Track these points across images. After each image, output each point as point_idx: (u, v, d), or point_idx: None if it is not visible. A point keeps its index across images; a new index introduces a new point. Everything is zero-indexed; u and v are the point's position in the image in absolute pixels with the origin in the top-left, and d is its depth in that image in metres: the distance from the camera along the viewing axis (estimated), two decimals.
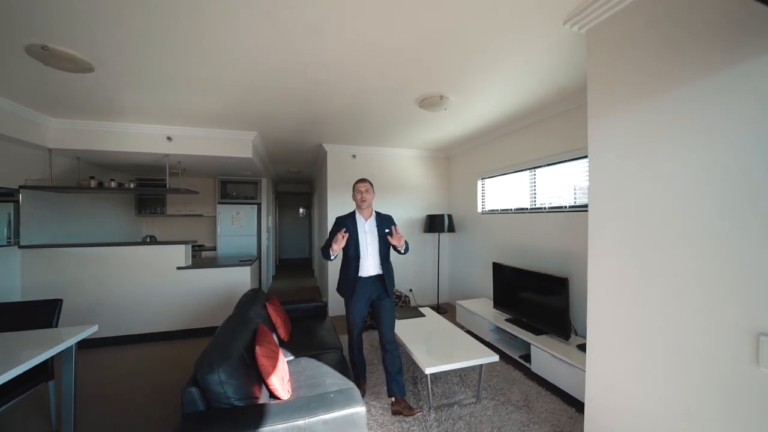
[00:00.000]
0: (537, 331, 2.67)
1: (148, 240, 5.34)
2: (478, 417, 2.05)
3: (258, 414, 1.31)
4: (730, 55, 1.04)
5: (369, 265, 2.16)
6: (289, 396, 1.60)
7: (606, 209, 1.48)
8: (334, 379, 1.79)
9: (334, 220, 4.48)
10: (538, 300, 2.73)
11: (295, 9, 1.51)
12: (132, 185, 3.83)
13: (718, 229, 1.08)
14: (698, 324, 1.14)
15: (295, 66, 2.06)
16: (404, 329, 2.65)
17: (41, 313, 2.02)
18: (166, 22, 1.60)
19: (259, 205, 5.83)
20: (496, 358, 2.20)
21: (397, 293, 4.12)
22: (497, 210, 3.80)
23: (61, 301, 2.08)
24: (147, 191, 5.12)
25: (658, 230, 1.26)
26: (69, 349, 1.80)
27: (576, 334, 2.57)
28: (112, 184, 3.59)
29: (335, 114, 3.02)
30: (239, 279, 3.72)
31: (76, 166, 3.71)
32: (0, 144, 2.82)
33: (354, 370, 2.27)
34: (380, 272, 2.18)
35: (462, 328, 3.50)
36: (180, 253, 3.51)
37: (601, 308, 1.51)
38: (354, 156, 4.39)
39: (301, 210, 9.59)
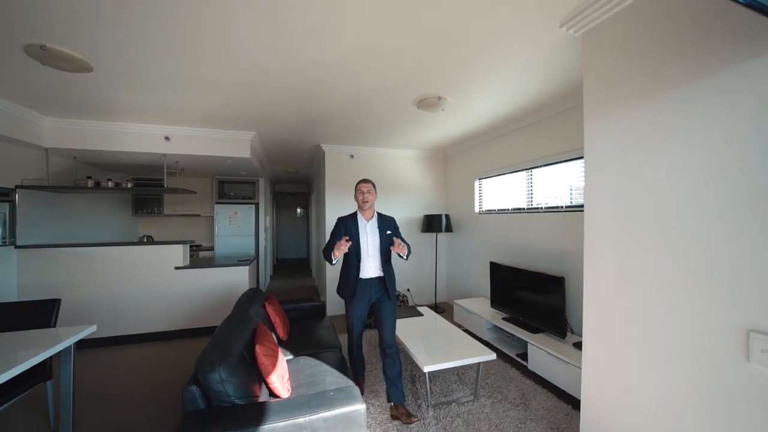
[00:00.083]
0: (534, 330, 2.70)
1: (145, 240, 5.32)
2: (475, 414, 2.08)
3: (258, 412, 1.32)
4: (729, 55, 1.04)
5: (370, 267, 2.13)
6: (289, 394, 1.62)
7: (601, 209, 1.50)
8: (333, 378, 1.80)
9: (332, 220, 4.48)
10: (535, 299, 2.76)
11: (295, 9, 1.52)
12: (129, 185, 3.82)
13: (708, 230, 1.11)
14: (691, 322, 1.17)
15: (294, 66, 2.07)
16: (402, 328, 2.66)
17: (39, 313, 2.01)
18: (166, 22, 1.61)
19: (256, 205, 5.83)
20: (493, 356, 2.22)
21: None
22: (494, 210, 3.83)
23: (59, 301, 2.07)
24: (144, 191, 5.09)
25: (652, 231, 1.29)
26: (68, 349, 1.80)
27: (572, 333, 2.60)
28: (110, 184, 3.58)
29: (334, 114, 3.03)
30: (237, 279, 3.72)
31: (72, 165, 3.69)
32: None
33: (353, 369, 2.28)
34: (381, 274, 2.15)
35: (460, 327, 3.53)
36: (178, 253, 3.51)
37: (597, 307, 1.53)
38: (352, 156, 4.40)
39: (298, 210, 9.58)
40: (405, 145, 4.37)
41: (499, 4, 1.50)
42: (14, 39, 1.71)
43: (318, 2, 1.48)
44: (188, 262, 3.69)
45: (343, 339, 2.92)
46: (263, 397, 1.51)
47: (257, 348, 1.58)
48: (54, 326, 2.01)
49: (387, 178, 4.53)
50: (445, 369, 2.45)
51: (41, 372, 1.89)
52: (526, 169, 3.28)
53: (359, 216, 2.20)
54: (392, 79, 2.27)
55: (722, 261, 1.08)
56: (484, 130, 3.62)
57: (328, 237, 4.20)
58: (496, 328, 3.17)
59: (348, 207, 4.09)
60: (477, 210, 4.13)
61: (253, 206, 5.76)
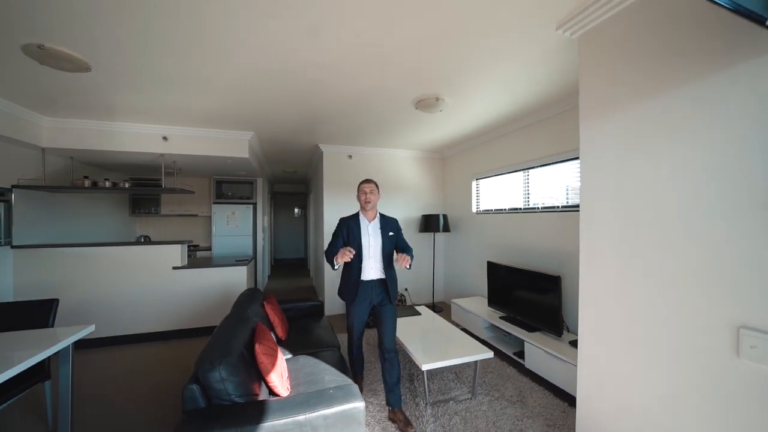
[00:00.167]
0: (530, 328, 2.73)
1: (143, 240, 5.30)
2: (473, 412, 2.10)
3: (259, 410, 1.33)
4: (730, 55, 1.05)
5: (371, 268, 2.11)
6: (288, 393, 1.63)
7: (601, 209, 1.50)
8: (332, 376, 1.82)
9: (330, 220, 4.49)
10: (532, 298, 2.79)
11: (294, 9, 1.53)
12: (127, 185, 3.80)
13: (709, 229, 1.12)
14: (683, 319, 1.19)
15: (293, 66, 2.08)
16: (401, 328, 2.68)
17: (37, 313, 2.01)
18: (166, 22, 1.61)
19: (254, 205, 5.82)
20: (490, 354, 2.24)
21: None
22: (491, 210, 3.85)
23: (57, 301, 2.07)
24: (142, 191, 5.08)
25: (653, 230, 1.30)
26: (66, 349, 1.80)
27: (568, 331, 2.63)
28: (107, 184, 3.57)
29: (333, 114, 3.04)
30: (235, 279, 3.72)
31: (69, 165, 3.67)
32: None
33: (352, 368, 2.30)
34: (383, 276, 2.13)
35: (457, 326, 3.55)
36: (176, 253, 3.50)
37: (596, 306, 1.55)
38: (350, 156, 4.41)
39: (296, 210, 9.57)
40: (403, 146, 4.38)
41: (497, 6, 1.52)
42: (13, 38, 1.71)
43: (317, 2, 1.48)
44: (186, 262, 3.68)
45: (342, 338, 2.93)
46: (263, 395, 1.52)
47: (257, 347, 1.59)
48: (52, 326, 2.00)
49: (385, 178, 4.54)
50: (443, 367, 2.48)
51: (39, 372, 1.89)
52: (523, 170, 3.31)
53: (361, 216, 2.18)
54: (391, 79, 2.29)
55: (723, 260, 1.08)
56: (481, 131, 3.65)
57: (326, 237, 4.25)
58: (494, 327, 3.20)
59: (346, 207, 4.12)
60: (474, 210, 4.16)
61: (251, 206, 5.76)
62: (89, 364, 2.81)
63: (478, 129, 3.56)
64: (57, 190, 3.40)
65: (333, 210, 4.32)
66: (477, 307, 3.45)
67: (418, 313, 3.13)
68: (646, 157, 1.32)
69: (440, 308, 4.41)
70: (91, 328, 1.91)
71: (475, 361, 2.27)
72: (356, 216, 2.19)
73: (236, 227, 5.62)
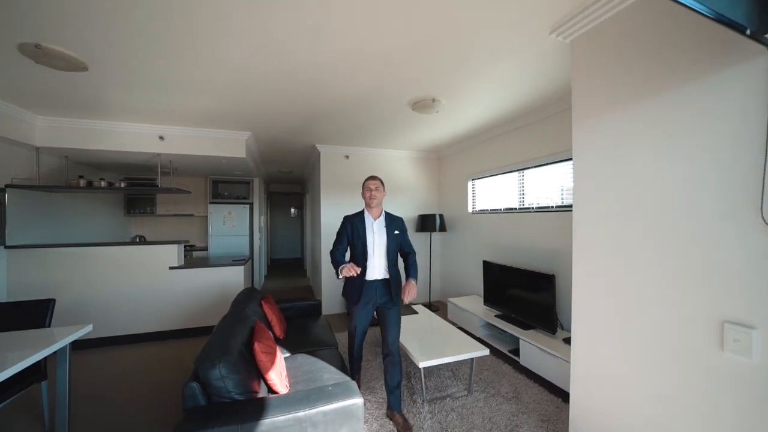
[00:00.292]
0: (525, 326, 2.77)
1: (138, 240, 5.26)
2: (469, 408, 2.13)
3: (259, 407, 1.35)
4: (728, 56, 1.07)
5: (375, 267, 2.07)
6: (287, 391, 1.64)
7: (594, 208, 1.53)
8: (331, 374, 1.84)
9: (327, 220, 4.49)
10: (527, 296, 2.83)
11: (289, 10, 1.53)
12: (122, 185, 3.78)
13: (689, 228, 1.17)
14: (672, 315, 1.23)
15: (289, 68, 2.09)
16: None
17: (33, 314, 2.00)
18: (158, 24, 1.61)
19: (251, 204, 5.81)
20: (486, 352, 2.28)
21: None
22: (487, 210, 3.90)
23: (54, 301, 2.06)
24: (137, 191, 5.04)
25: (636, 230, 1.35)
26: (63, 349, 1.80)
27: (562, 329, 2.68)
28: (102, 184, 3.54)
29: (330, 114, 3.05)
30: (232, 279, 3.72)
31: (64, 165, 3.64)
32: None
33: (351, 367, 2.31)
34: (387, 276, 2.09)
35: (453, 324, 3.58)
36: (172, 253, 3.49)
37: (585, 303, 1.59)
38: (347, 157, 4.43)
39: (292, 210, 9.56)
40: (400, 146, 4.41)
41: (493, 12, 1.55)
42: (10, 38, 1.71)
43: (312, 4, 1.49)
44: (183, 262, 3.67)
45: (339, 337, 2.96)
46: (262, 393, 1.53)
47: (256, 345, 1.61)
48: (49, 326, 2.00)
49: (382, 178, 4.51)
50: (439, 365, 2.51)
51: (36, 372, 1.88)
52: (518, 170, 3.36)
53: (366, 214, 2.15)
54: (387, 80, 2.31)
55: (696, 257, 1.13)
56: (476, 132, 3.69)
57: (323, 238, 4.26)
58: (489, 325, 3.24)
59: (343, 207, 4.13)
60: (470, 210, 4.20)
61: (248, 206, 5.74)
62: (86, 365, 2.80)
63: (473, 130, 3.60)
64: (51, 189, 3.37)
65: (330, 210, 4.33)
66: (473, 305, 3.49)
67: (415, 312, 3.16)
68: (636, 157, 1.35)
69: (437, 307, 4.45)
70: (89, 328, 1.91)
71: (471, 359, 2.30)
72: (361, 214, 2.16)
73: (233, 227, 5.61)
